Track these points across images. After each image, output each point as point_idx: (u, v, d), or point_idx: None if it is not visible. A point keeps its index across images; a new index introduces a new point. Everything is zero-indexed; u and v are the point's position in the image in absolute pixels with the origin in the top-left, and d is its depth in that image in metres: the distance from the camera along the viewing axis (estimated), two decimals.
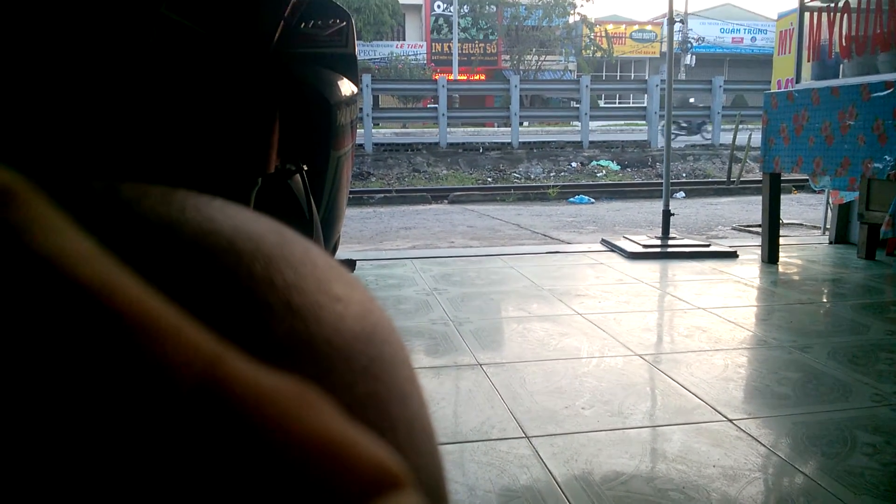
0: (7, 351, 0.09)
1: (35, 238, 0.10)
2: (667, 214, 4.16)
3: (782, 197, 3.88)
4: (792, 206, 7.19)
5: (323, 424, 0.11)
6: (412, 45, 28.21)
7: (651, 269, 3.62)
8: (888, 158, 2.86)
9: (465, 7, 27.19)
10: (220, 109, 0.96)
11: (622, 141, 12.84)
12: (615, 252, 4.02)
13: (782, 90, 3.68)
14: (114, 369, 0.10)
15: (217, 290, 0.13)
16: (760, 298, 3.09)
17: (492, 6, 27.09)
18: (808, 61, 3.80)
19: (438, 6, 28.11)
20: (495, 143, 12.31)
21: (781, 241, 3.89)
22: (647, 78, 13.03)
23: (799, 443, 1.64)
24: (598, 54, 28.86)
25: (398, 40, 28.42)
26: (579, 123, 12.44)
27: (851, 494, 1.41)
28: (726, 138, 11.62)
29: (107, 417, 0.10)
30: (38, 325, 0.10)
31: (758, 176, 8.25)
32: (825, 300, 3.07)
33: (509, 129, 12.18)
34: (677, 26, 12.64)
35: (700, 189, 9.16)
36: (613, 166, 11.38)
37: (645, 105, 13.07)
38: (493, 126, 19.56)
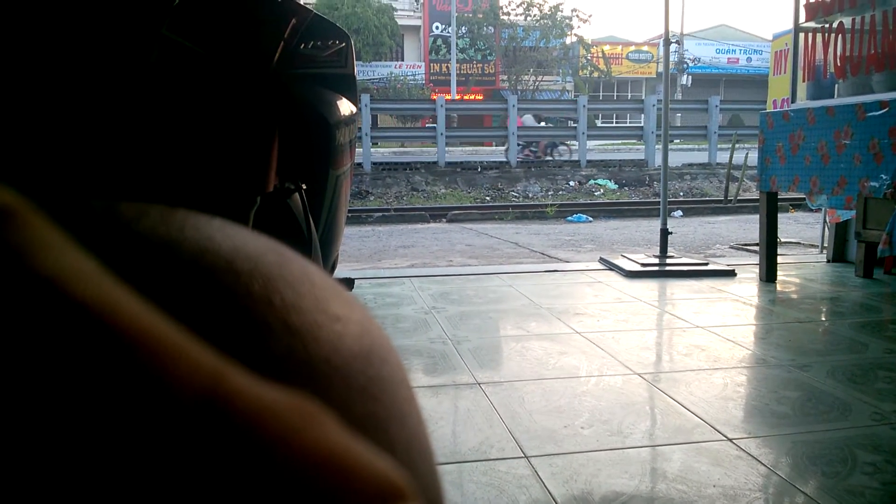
0: (10, 369, 0.09)
1: (36, 258, 0.10)
2: (665, 233, 4.17)
3: (780, 216, 3.90)
4: (789, 225, 7.21)
5: (326, 438, 0.11)
6: (411, 66, 28.42)
7: (649, 287, 3.62)
8: (884, 177, 2.88)
9: (464, 28, 27.42)
10: (220, 129, 0.97)
11: (619, 160, 12.90)
12: (613, 270, 4.02)
13: (778, 110, 3.71)
14: (116, 387, 0.10)
15: (216, 309, 0.13)
16: (759, 317, 3.08)
17: (489, 27, 27.33)
18: (804, 81, 3.83)
19: (437, 27, 28.37)
20: (493, 161, 12.36)
21: (779, 259, 3.90)
22: (643, 98, 13.11)
23: (799, 462, 1.63)
24: (595, 74, 29.11)
25: (397, 61, 28.65)
26: (577, 143, 12.51)
27: None
28: (723, 157, 11.66)
29: (111, 434, 0.10)
30: (40, 344, 0.10)
31: (755, 195, 8.29)
32: (824, 319, 3.07)
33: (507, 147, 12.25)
34: (673, 47, 12.77)
35: (698, 208, 9.19)
36: (611, 185, 11.41)
37: (642, 124, 13.15)
38: (492, 145, 19.65)
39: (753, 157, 5.40)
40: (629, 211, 8.98)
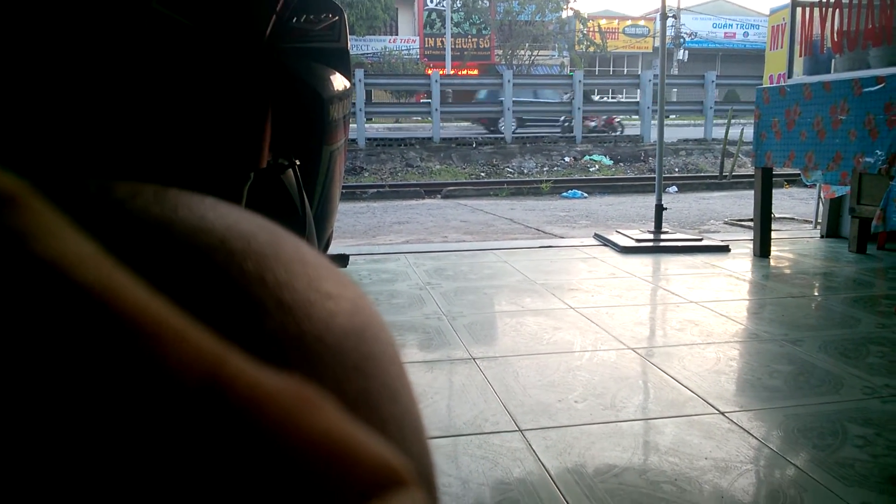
0: (13, 354, 0.09)
1: (38, 242, 0.10)
2: (659, 209, 4.17)
3: (774, 191, 3.90)
4: (784, 201, 7.22)
5: (326, 423, 0.11)
6: (405, 40, 28.12)
7: (643, 263, 3.64)
8: (879, 153, 2.88)
9: (458, 2, 27.10)
10: (212, 104, 0.96)
11: (615, 136, 12.84)
12: (608, 246, 4.03)
13: (774, 85, 3.69)
14: (119, 372, 0.10)
15: (209, 287, 0.13)
16: (752, 292, 3.10)
17: (485, 1, 27.03)
18: (800, 56, 3.81)
19: (431, 1, 28.03)
20: (488, 137, 12.29)
21: (773, 235, 3.91)
22: (639, 73, 13.02)
23: (790, 435, 1.66)
24: (591, 49, 28.85)
25: (391, 35, 28.32)
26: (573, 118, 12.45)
27: (842, 486, 1.42)
28: (719, 133, 11.64)
29: (113, 420, 0.10)
30: (42, 328, 0.10)
31: (750, 171, 8.27)
32: (817, 294, 3.09)
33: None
34: (670, 21, 12.65)
35: (692, 184, 9.18)
36: (606, 161, 11.39)
37: (638, 100, 13.08)
38: (486, 121, 19.52)
39: (749, 133, 5.39)
40: (624, 187, 8.97)
